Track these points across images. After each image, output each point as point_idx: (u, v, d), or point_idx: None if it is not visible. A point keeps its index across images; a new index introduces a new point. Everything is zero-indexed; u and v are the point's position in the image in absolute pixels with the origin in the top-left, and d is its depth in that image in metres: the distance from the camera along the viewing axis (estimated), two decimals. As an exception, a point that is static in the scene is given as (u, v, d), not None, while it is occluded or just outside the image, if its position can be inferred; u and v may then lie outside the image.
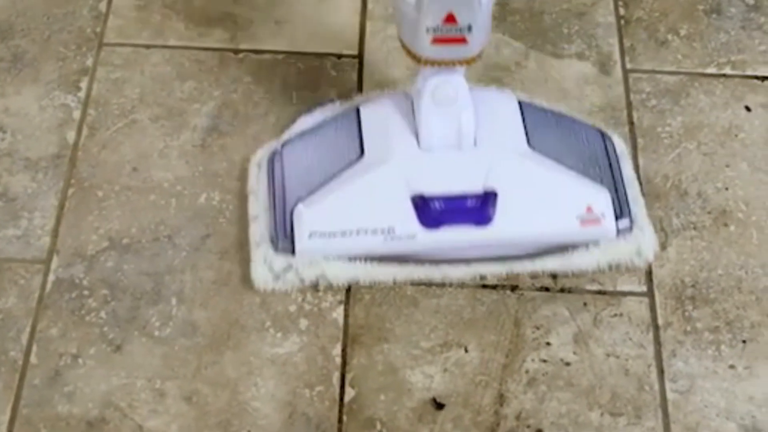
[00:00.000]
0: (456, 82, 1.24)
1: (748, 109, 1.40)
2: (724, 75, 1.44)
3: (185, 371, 1.17)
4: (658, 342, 1.21)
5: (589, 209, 1.23)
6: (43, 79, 1.40)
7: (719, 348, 1.21)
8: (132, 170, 1.32)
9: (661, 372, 1.19)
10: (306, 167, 1.26)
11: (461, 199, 1.22)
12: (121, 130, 1.36)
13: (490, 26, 1.20)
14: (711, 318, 1.23)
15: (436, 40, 1.18)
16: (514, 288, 1.24)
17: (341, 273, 1.21)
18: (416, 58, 1.21)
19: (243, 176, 1.32)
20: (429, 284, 1.24)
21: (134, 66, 1.42)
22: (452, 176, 1.23)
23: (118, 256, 1.25)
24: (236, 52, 1.44)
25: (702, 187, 1.33)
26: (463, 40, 1.18)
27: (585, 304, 1.23)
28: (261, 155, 1.31)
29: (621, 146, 1.33)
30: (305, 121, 1.33)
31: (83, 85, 1.40)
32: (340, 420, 1.15)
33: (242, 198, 1.30)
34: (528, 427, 1.15)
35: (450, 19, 1.16)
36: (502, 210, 1.21)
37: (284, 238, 1.21)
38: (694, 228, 1.30)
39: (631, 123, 1.38)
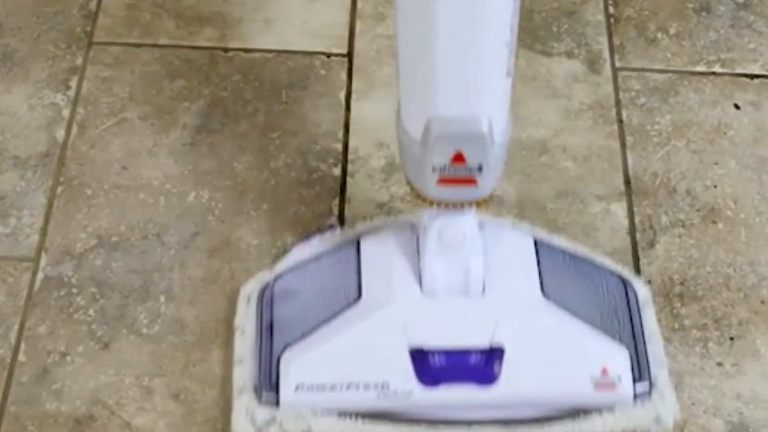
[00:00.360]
0: (464, 223, 1.11)
1: (737, 107, 1.41)
2: (713, 73, 1.44)
3: (173, 369, 1.17)
4: (646, 339, 1.21)
5: (604, 371, 1.11)
6: (32, 77, 1.40)
7: (707, 345, 1.21)
8: (121, 168, 1.33)
9: (649, 369, 1.19)
10: (298, 308, 1.15)
11: (464, 354, 1.10)
12: (111, 129, 1.36)
13: (502, 165, 1.07)
14: (699, 315, 1.23)
15: (443, 181, 1.04)
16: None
17: (329, 429, 1.10)
18: (420, 197, 1.09)
19: (232, 174, 1.32)
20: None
21: (124, 65, 1.42)
22: (456, 327, 1.11)
23: (106, 254, 1.25)
24: (226, 50, 1.44)
25: (691, 185, 1.33)
26: (471, 182, 1.04)
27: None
28: (251, 288, 1.20)
29: (644, 294, 1.21)
30: (302, 251, 1.23)
31: (73, 83, 1.40)
32: None
33: (232, 196, 1.30)
34: None
35: (458, 158, 1.03)
36: (508, 368, 1.09)
37: (269, 389, 1.10)
38: (683, 226, 1.30)
39: (620, 121, 1.39)
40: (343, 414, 1.10)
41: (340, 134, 1.36)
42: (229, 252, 1.26)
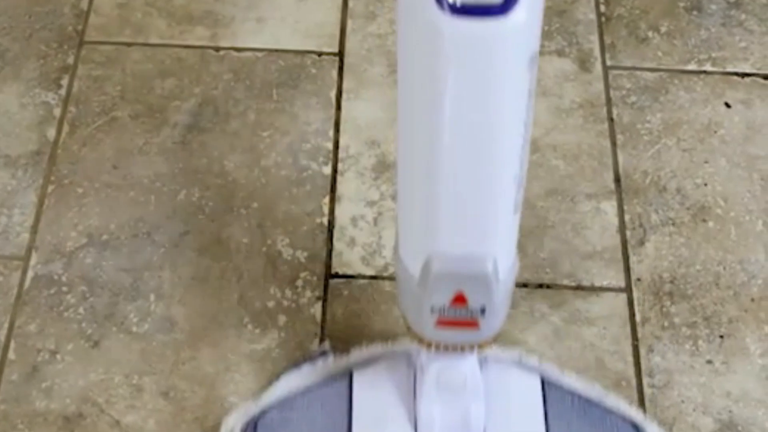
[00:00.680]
0: (465, 367, 1.03)
1: (727, 105, 1.41)
2: (704, 72, 1.44)
3: (163, 367, 1.18)
4: (635, 337, 1.21)
5: None
6: (24, 76, 1.40)
7: (697, 343, 1.21)
8: (112, 167, 1.33)
9: (638, 367, 1.19)
10: None
11: None
12: (102, 128, 1.36)
13: (508, 306, 0.97)
14: (689, 313, 1.23)
15: (442, 323, 0.94)
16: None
17: None
18: (417, 338, 0.98)
19: (222, 173, 1.32)
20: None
21: (115, 64, 1.42)
22: None
23: (96, 252, 1.26)
24: (217, 49, 1.44)
25: (681, 183, 1.33)
26: (473, 324, 0.94)
27: (563, 299, 1.24)
28: (234, 421, 1.12)
29: None
30: (291, 379, 1.13)
31: (64, 82, 1.40)
32: None
33: (222, 195, 1.30)
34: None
35: (459, 299, 0.92)
36: None
37: None
38: (673, 224, 1.30)
39: (611, 119, 1.39)
40: None
41: (331, 133, 1.36)
42: (218, 250, 1.26)
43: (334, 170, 1.33)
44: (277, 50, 1.44)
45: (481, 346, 0.99)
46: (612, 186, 1.33)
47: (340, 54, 1.44)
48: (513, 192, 0.89)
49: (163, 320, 1.21)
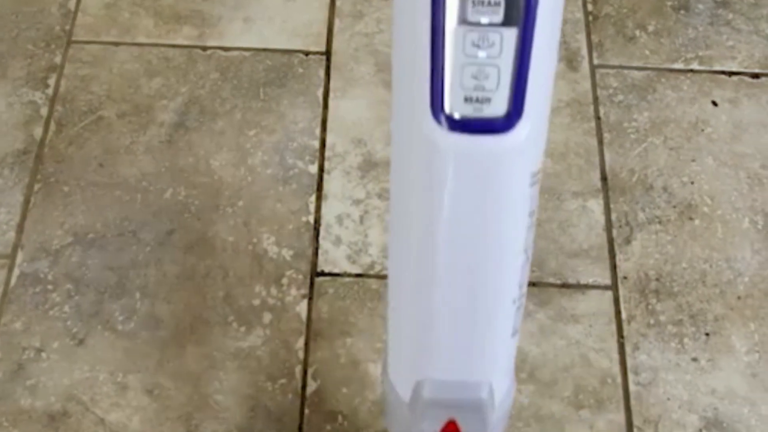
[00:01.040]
0: None
1: (714, 104, 1.41)
2: (691, 70, 1.44)
3: (148, 365, 1.17)
4: (621, 335, 1.21)
5: None
6: (11, 76, 1.40)
7: (682, 341, 1.21)
8: (98, 166, 1.33)
9: (624, 364, 1.19)
10: None
11: None
12: (88, 127, 1.36)
13: (504, 428, 0.90)
14: (675, 311, 1.23)
15: None
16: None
17: None
18: None
19: (208, 172, 1.32)
20: (393, 278, 1.24)
21: (102, 63, 1.42)
22: None
23: (82, 251, 1.25)
24: (204, 49, 1.44)
25: (668, 182, 1.33)
26: None
27: (549, 297, 1.23)
28: None
29: None
30: None
31: (51, 82, 1.40)
32: (301, 413, 1.15)
33: (208, 193, 1.30)
34: (490, 419, 1.15)
35: (451, 428, 0.86)
36: None
37: None
38: (659, 222, 1.30)
39: (598, 118, 1.39)
40: None
41: (318, 131, 1.36)
42: (204, 249, 1.26)
43: (321, 169, 1.33)
44: (264, 49, 1.44)
45: None
46: (599, 184, 1.33)
47: (328, 53, 1.44)
48: (512, 315, 0.82)
49: (149, 318, 1.20)
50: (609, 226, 1.29)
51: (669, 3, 1.51)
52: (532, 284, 1.24)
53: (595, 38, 1.47)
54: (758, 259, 1.27)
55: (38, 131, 1.35)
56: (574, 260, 1.26)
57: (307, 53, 1.44)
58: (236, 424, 1.14)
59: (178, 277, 1.24)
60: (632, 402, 1.17)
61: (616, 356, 1.20)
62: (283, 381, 1.17)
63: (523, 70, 0.68)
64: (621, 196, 1.32)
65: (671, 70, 1.44)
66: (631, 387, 1.18)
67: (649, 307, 1.23)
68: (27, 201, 1.29)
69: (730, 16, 1.50)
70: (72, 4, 1.48)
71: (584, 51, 1.45)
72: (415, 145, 0.73)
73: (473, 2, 0.69)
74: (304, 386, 1.17)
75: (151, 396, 1.15)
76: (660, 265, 1.26)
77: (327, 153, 1.34)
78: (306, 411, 1.15)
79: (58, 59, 1.42)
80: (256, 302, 1.22)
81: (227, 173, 1.32)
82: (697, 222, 1.30)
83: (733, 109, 1.40)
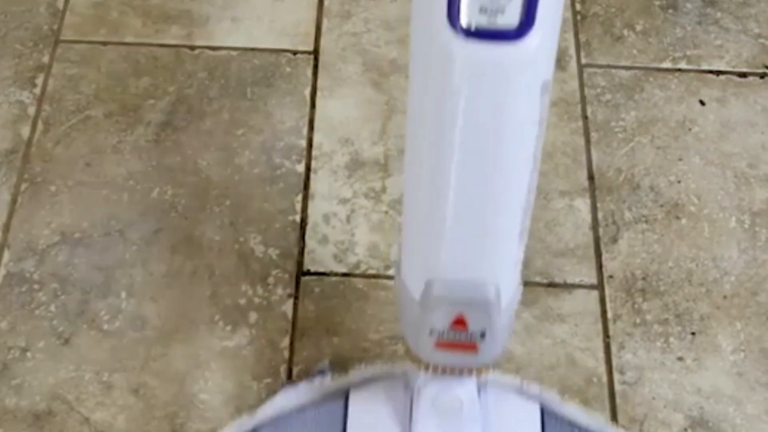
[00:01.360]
0: (462, 391, 1.01)
1: (702, 103, 1.41)
2: (679, 69, 1.44)
3: (133, 364, 1.17)
4: (607, 334, 1.21)
5: None
6: (-1, 75, 1.41)
7: (668, 340, 1.21)
8: (85, 165, 1.33)
9: (609, 364, 1.19)
10: None
11: None
12: (76, 126, 1.36)
13: (509, 332, 0.95)
14: (661, 310, 1.23)
15: (441, 345, 0.93)
16: (464, 281, 1.24)
17: None
18: (416, 360, 0.96)
19: (195, 171, 1.32)
20: (379, 276, 1.24)
21: (90, 62, 1.42)
22: None
23: (69, 250, 1.25)
24: (192, 48, 1.44)
25: (654, 181, 1.33)
26: (472, 348, 0.92)
27: (535, 296, 1.24)
28: None
29: None
30: (287, 397, 1.11)
31: (39, 81, 1.40)
32: (286, 412, 1.15)
33: (195, 192, 1.30)
34: (475, 418, 1.15)
35: (459, 323, 0.91)
36: None
37: None
38: (646, 221, 1.30)
39: (585, 117, 1.39)
40: None
41: (305, 131, 1.36)
42: (191, 248, 1.26)
43: (308, 168, 1.33)
44: (252, 49, 1.44)
45: (479, 372, 0.97)
46: (585, 183, 1.33)
47: (315, 53, 1.44)
48: (519, 219, 0.87)
49: (134, 317, 1.21)
50: (595, 225, 1.29)
51: (657, 2, 1.51)
52: (518, 283, 1.24)
53: (582, 37, 1.47)
54: (744, 259, 1.27)
55: (26, 131, 1.35)
56: (561, 259, 1.26)
57: (294, 53, 1.44)
58: (221, 424, 1.13)
59: (165, 277, 1.24)
60: (618, 401, 1.17)
61: (601, 355, 1.20)
62: (268, 380, 1.17)
63: None
64: (608, 196, 1.32)
65: (659, 70, 1.44)
66: (617, 386, 1.18)
67: (636, 306, 1.23)
68: (14, 200, 1.29)
69: (719, 15, 1.50)
70: (60, 4, 1.48)
71: (572, 50, 1.45)
72: (433, 55, 0.76)
73: None
74: (289, 385, 1.17)
75: (137, 395, 1.15)
76: (646, 264, 1.26)
77: (314, 152, 1.34)
78: (291, 410, 1.15)
79: (46, 59, 1.42)
80: (242, 301, 1.22)
81: (214, 172, 1.32)
82: (683, 221, 1.30)
83: (720, 108, 1.40)
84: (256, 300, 1.22)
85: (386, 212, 1.29)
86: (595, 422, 1.11)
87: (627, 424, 1.15)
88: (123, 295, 1.22)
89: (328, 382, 1.12)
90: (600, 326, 1.22)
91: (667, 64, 1.44)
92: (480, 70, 0.76)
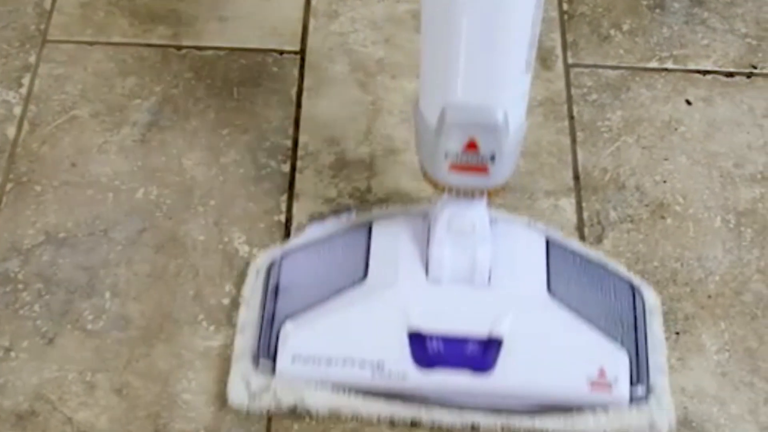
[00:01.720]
0: (475, 212, 1.13)
1: (688, 102, 1.41)
2: (665, 69, 1.44)
3: (116, 364, 1.17)
4: (591, 334, 1.21)
5: (601, 372, 1.11)
6: (-15, 75, 1.41)
7: (652, 340, 1.21)
8: (71, 165, 1.33)
9: (593, 363, 1.19)
10: (303, 282, 1.18)
11: (462, 342, 1.11)
12: (61, 126, 1.36)
13: (517, 156, 1.08)
14: (645, 310, 1.23)
15: (455, 168, 1.06)
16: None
17: (322, 403, 1.12)
18: (432, 183, 1.10)
19: (181, 171, 1.32)
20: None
21: (77, 62, 1.42)
22: (457, 315, 1.12)
23: (54, 250, 1.25)
24: (179, 48, 1.44)
25: (640, 181, 1.33)
26: (483, 170, 1.06)
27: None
28: (261, 262, 1.23)
29: (653, 302, 1.22)
30: (315, 230, 1.25)
31: (25, 81, 1.40)
32: (269, 412, 1.15)
33: (180, 192, 1.30)
34: None
35: (471, 146, 1.04)
36: (504, 360, 1.11)
37: (266, 357, 1.13)
38: (631, 221, 1.30)
39: (571, 117, 1.39)
40: (337, 388, 1.12)
41: (290, 131, 1.36)
42: (175, 248, 1.26)
43: (293, 168, 1.33)
44: (239, 49, 1.44)
45: (490, 194, 1.10)
46: (571, 183, 1.33)
47: (302, 52, 1.44)
48: (524, 51, 1.00)
49: (118, 317, 1.21)
50: (581, 224, 1.29)
51: (644, 2, 1.51)
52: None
53: (569, 37, 1.47)
54: (730, 258, 1.27)
55: (11, 131, 1.35)
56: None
57: (281, 52, 1.44)
58: (204, 424, 1.14)
59: (149, 276, 1.24)
60: (601, 401, 1.17)
61: (585, 355, 1.20)
62: (251, 380, 1.17)
63: None
64: (593, 195, 1.32)
65: (645, 69, 1.44)
66: (601, 386, 1.18)
67: (620, 306, 1.23)
68: (-1, 200, 1.30)
69: (706, 14, 1.50)
70: (47, 4, 1.48)
71: (558, 50, 1.45)
72: None
73: None
74: (272, 385, 1.17)
75: (120, 395, 1.15)
76: (631, 263, 1.26)
77: (300, 152, 1.34)
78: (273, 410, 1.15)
79: (32, 59, 1.42)
80: (226, 301, 1.22)
81: (199, 172, 1.32)
82: (669, 221, 1.30)
83: (706, 107, 1.40)
84: (240, 300, 1.22)
85: (371, 212, 1.29)
86: (596, 255, 1.24)
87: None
88: (107, 295, 1.22)
89: (353, 217, 1.26)
90: (584, 326, 1.22)
91: (653, 64, 1.44)
92: None
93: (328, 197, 1.30)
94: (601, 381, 1.11)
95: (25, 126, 1.36)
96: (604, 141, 1.37)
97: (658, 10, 1.50)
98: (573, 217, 1.30)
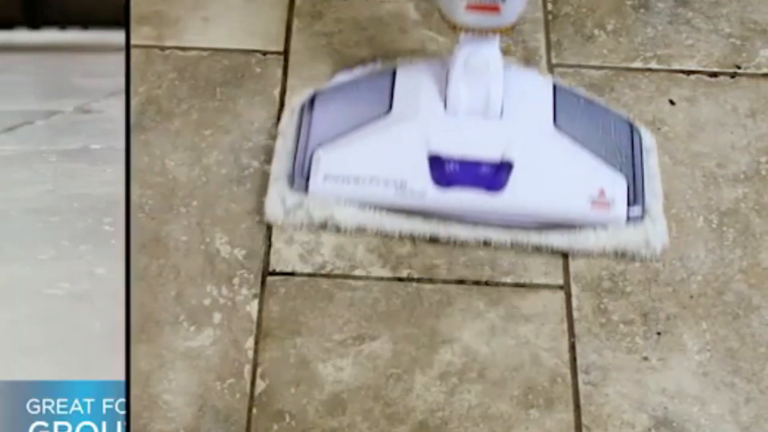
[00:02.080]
0: (489, 50, 1.28)
1: (672, 102, 1.41)
2: (649, 69, 1.44)
3: (97, 365, 1.18)
4: (572, 334, 1.21)
5: (601, 192, 1.25)
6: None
7: (634, 340, 1.21)
8: (53, 166, 1.33)
9: (574, 363, 1.19)
10: (334, 116, 1.31)
11: (476, 164, 1.25)
12: (44, 127, 1.37)
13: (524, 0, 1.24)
14: (626, 310, 1.23)
15: (470, 7, 1.23)
16: (430, 280, 1.24)
17: (349, 218, 1.26)
18: (451, 25, 1.26)
19: (163, 171, 1.32)
20: (345, 276, 1.24)
21: (60, 63, 1.43)
22: (472, 141, 1.26)
23: (35, 251, 1.26)
24: (162, 48, 1.44)
25: (623, 181, 1.33)
26: (496, 9, 1.23)
27: (501, 296, 1.23)
28: (296, 102, 1.35)
29: (649, 142, 1.34)
30: (343, 76, 1.39)
31: (9, 82, 1.40)
32: (249, 413, 1.15)
33: (162, 193, 1.30)
34: (438, 419, 1.15)
35: None
36: (514, 181, 1.25)
37: (300, 177, 1.26)
38: (614, 221, 1.30)
39: (555, 117, 1.39)
40: (364, 206, 1.26)
41: (274, 131, 1.36)
42: (157, 248, 1.26)
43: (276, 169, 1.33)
44: (222, 49, 1.44)
45: (503, 32, 1.26)
46: (554, 183, 1.33)
47: (285, 53, 1.44)
48: None
49: (99, 318, 1.21)
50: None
51: (629, 2, 1.51)
52: (485, 283, 1.24)
53: (554, 37, 1.47)
54: (712, 258, 1.27)
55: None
56: (527, 259, 1.26)
57: (264, 53, 1.44)
58: (184, 424, 1.14)
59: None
60: (582, 401, 1.17)
61: (566, 355, 1.20)
62: (231, 381, 1.17)
63: None
64: (576, 195, 1.31)
65: (629, 69, 1.44)
66: (581, 386, 1.18)
67: (601, 306, 1.23)
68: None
69: (690, 14, 1.50)
70: (31, 5, 1.48)
71: (543, 50, 1.45)
72: None
73: None
74: (252, 386, 1.17)
75: (100, 396, 1.15)
76: (613, 264, 1.26)
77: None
78: (254, 411, 1.15)
79: None
80: (207, 302, 1.22)
81: (182, 173, 1.32)
82: (651, 221, 1.30)
83: (690, 107, 1.40)
84: (221, 300, 1.22)
85: (353, 212, 1.29)
86: (600, 100, 1.37)
87: (590, 424, 1.15)
88: (88, 295, 1.22)
89: (378, 65, 1.40)
90: (566, 326, 1.22)
91: (637, 64, 1.44)
92: None
93: (310, 198, 1.30)
94: (600, 200, 1.25)
95: (8, 127, 1.36)
96: (587, 141, 1.36)
97: (642, 10, 1.50)
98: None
